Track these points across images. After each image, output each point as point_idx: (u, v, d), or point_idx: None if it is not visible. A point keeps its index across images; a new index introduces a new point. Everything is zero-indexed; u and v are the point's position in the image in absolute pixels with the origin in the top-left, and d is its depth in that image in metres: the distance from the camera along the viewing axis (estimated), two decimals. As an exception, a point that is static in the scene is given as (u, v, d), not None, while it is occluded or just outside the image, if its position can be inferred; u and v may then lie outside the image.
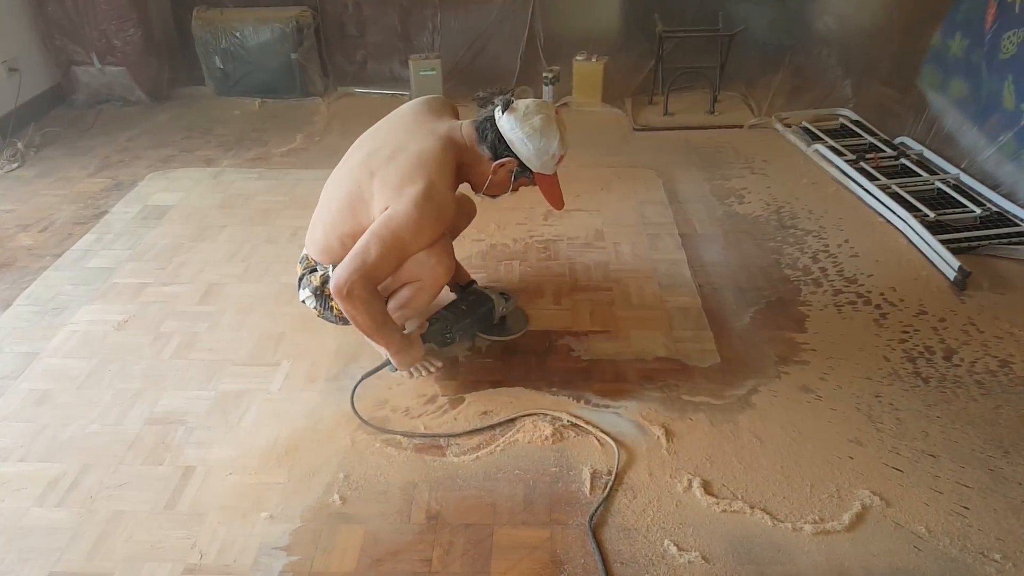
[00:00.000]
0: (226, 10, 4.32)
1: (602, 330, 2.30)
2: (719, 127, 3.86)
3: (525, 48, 4.29)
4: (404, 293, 1.97)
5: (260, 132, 3.92)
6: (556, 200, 1.99)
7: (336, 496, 1.73)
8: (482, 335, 2.25)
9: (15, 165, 3.52)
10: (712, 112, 4.02)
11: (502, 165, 1.90)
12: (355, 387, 2.03)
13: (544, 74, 4.12)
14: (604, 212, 3.01)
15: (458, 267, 2.34)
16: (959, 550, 1.58)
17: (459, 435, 1.91)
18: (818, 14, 4.07)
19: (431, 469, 1.81)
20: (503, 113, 1.86)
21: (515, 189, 2.00)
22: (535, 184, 1.98)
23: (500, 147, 1.88)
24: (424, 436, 1.91)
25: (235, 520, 1.68)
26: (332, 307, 2.03)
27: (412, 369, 2.05)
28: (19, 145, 3.66)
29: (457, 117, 2.02)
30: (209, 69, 4.37)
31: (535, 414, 1.96)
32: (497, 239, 2.82)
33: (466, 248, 2.74)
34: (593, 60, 4.10)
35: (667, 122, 3.95)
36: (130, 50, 4.13)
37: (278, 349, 2.24)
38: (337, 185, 1.94)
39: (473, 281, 2.33)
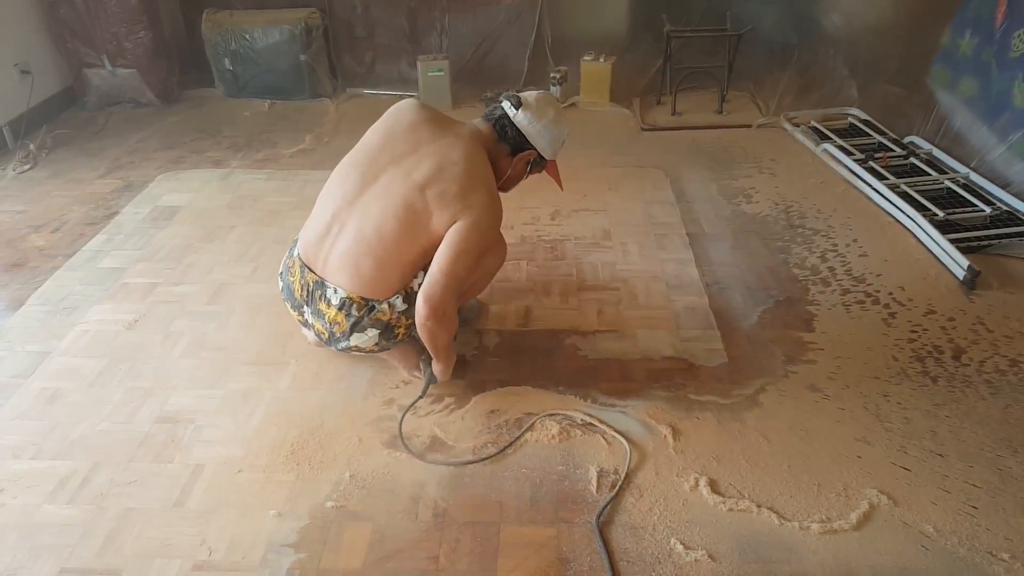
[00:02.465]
0: (235, 12, 4.35)
1: (609, 329, 2.30)
2: (727, 127, 3.86)
3: (533, 49, 4.29)
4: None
5: (269, 133, 3.94)
6: (559, 180, 2.14)
7: (344, 494, 1.74)
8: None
9: (27, 167, 3.55)
10: (720, 112, 4.01)
11: (522, 159, 1.99)
12: (401, 419, 1.95)
13: (552, 74, 4.13)
14: (611, 212, 3.01)
15: None
16: (967, 550, 1.58)
17: (492, 456, 1.85)
18: (826, 12, 4.05)
19: (438, 467, 1.82)
20: (517, 110, 1.94)
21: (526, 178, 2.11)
22: (541, 172, 2.10)
23: (520, 141, 1.97)
24: (465, 463, 1.83)
25: (244, 517, 1.69)
26: (397, 335, 1.94)
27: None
28: (31, 147, 3.69)
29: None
30: (219, 71, 4.39)
31: (550, 414, 1.96)
32: (505, 239, 2.81)
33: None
34: (601, 60, 4.10)
35: (675, 122, 3.94)
36: (140, 52, 4.15)
37: (286, 348, 2.25)
38: (379, 216, 1.80)
39: None
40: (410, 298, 1.87)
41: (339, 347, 1.95)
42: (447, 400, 2.04)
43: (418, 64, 4.19)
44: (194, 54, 4.52)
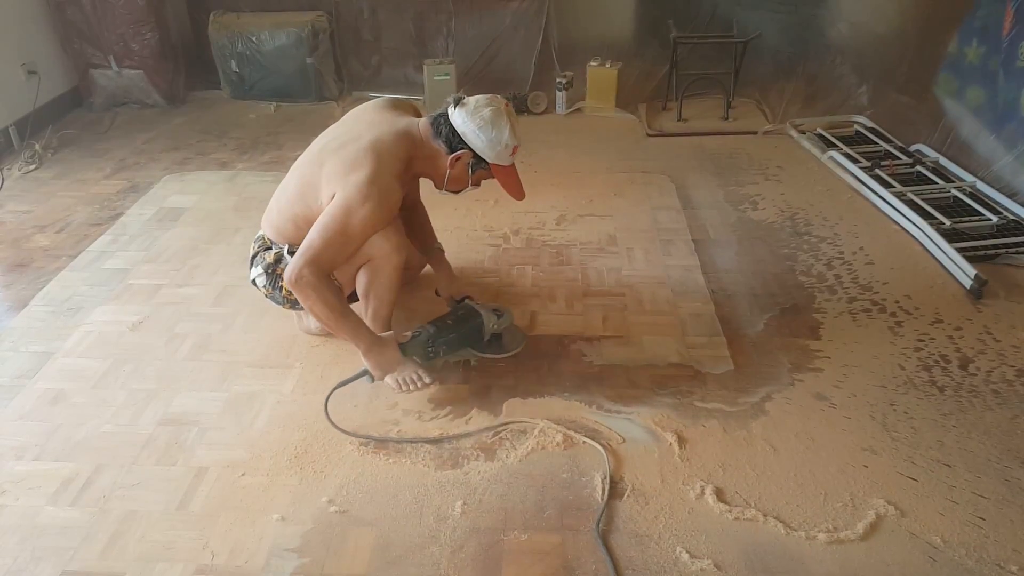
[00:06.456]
0: (243, 15, 4.36)
1: (615, 335, 2.30)
2: (733, 133, 3.85)
3: (539, 53, 4.30)
4: (362, 279, 2.03)
5: (275, 135, 3.95)
6: (515, 191, 2.07)
7: (348, 499, 1.73)
8: (474, 352, 2.14)
9: (33, 167, 3.56)
10: (726, 118, 4.01)
11: (458, 158, 1.98)
12: (328, 396, 1.96)
13: (558, 79, 4.13)
14: (617, 217, 3.00)
15: (454, 279, 2.35)
16: (975, 561, 1.56)
17: (459, 437, 1.91)
18: (832, 21, 4.05)
19: (443, 473, 1.81)
20: (455, 108, 1.95)
21: (476, 183, 2.08)
22: (494, 177, 2.05)
23: (454, 140, 1.96)
24: (403, 441, 1.89)
25: (247, 521, 1.68)
26: (281, 287, 2.08)
27: (400, 382, 1.99)
28: (37, 147, 3.69)
29: (419, 117, 2.10)
30: (225, 73, 4.40)
31: (522, 422, 1.95)
32: (510, 243, 2.82)
33: (479, 252, 2.75)
34: (607, 65, 4.10)
35: (681, 128, 3.94)
36: (147, 54, 4.17)
37: (291, 351, 2.24)
38: (295, 171, 2.06)
39: (468, 296, 2.27)
40: None
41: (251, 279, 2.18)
42: (448, 407, 2.03)
43: (424, 68, 4.19)
44: (200, 56, 4.53)
